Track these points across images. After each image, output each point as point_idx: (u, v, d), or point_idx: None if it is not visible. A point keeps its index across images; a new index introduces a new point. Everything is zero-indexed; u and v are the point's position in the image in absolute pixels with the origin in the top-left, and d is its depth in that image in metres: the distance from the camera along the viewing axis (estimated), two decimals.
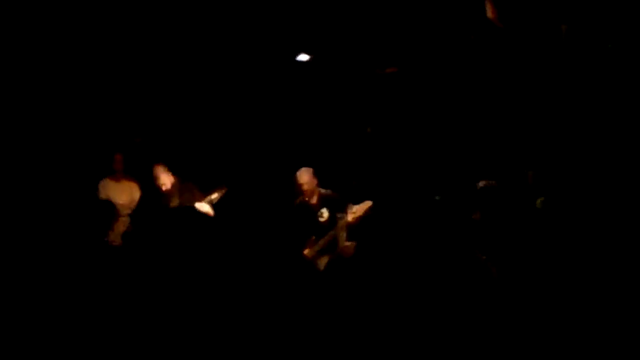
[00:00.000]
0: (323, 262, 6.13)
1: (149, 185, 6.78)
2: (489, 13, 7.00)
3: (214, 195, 6.22)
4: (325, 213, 6.18)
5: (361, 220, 6.02)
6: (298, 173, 6.18)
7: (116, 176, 7.05)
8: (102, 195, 6.96)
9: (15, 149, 7.07)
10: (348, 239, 6.08)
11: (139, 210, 6.72)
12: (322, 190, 6.23)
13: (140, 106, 7.58)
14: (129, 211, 6.86)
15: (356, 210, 6.01)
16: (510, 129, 6.98)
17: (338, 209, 6.14)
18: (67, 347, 5.14)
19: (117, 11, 7.16)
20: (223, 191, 6.25)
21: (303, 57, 7.60)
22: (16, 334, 5.18)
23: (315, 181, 6.17)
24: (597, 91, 6.49)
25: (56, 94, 7.29)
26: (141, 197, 6.89)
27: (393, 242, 6.97)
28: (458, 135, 7.28)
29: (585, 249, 5.55)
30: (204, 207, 6.17)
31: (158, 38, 7.30)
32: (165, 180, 6.45)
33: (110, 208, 6.88)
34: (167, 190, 6.44)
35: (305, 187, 6.12)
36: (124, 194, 7.02)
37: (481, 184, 5.69)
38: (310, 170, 6.19)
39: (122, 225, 6.80)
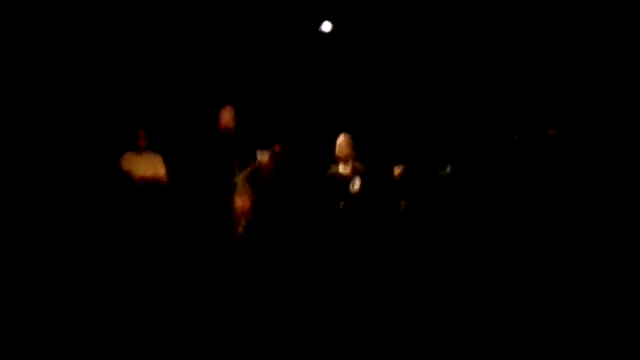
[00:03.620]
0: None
1: (174, 160, 6.82)
2: None
3: None
4: (357, 183, 6.18)
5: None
6: (338, 139, 6.22)
7: (139, 150, 6.99)
8: (125, 169, 6.91)
9: (38, 123, 6.97)
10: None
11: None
12: (357, 164, 6.25)
13: (165, 82, 7.50)
14: (152, 185, 6.82)
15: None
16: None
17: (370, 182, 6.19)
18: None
19: None
20: None
21: (326, 27, 7.53)
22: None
23: (352, 150, 6.21)
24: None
25: (80, 70, 7.19)
26: (167, 173, 6.88)
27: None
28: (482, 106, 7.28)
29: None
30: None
31: (180, 13, 7.23)
32: (229, 122, 6.54)
33: (131, 181, 6.89)
34: (226, 132, 6.50)
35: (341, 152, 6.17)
36: (147, 167, 6.95)
37: None
38: (348, 136, 6.23)
39: None
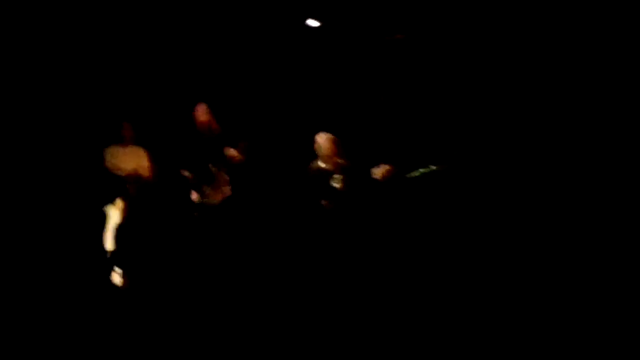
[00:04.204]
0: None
1: (159, 152, 6.82)
2: None
3: None
4: (340, 180, 6.14)
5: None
6: (317, 136, 6.17)
7: (123, 143, 6.97)
8: (108, 162, 6.89)
9: (23, 118, 6.94)
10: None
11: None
12: (340, 160, 6.21)
13: (150, 75, 7.49)
14: (136, 178, 6.81)
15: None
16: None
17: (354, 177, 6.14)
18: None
19: None
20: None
21: (312, 23, 7.51)
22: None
23: (333, 148, 6.15)
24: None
25: (65, 63, 7.16)
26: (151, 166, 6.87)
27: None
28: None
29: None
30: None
31: (165, 8, 7.23)
32: (203, 122, 6.67)
33: (115, 175, 6.88)
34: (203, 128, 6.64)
35: (322, 152, 6.12)
36: (130, 160, 6.94)
37: None
38: (329, 136, 6.18)
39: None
